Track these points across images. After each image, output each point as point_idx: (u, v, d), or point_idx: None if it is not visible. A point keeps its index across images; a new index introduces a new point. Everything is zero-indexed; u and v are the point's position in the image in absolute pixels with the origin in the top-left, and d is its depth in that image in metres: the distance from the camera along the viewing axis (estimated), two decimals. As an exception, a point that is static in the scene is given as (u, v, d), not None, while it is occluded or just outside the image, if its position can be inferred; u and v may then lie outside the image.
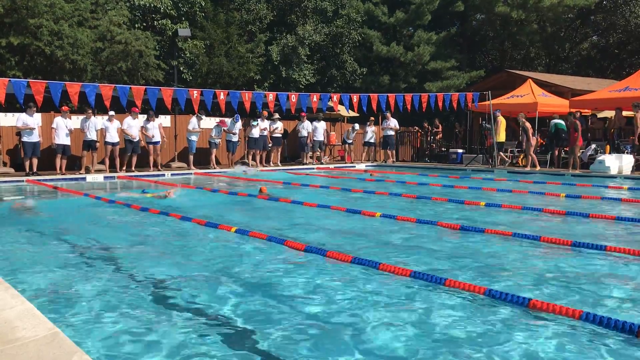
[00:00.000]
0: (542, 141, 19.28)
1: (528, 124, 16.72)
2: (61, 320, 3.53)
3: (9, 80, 12.46)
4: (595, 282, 4.62)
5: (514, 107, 19.64)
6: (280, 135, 19.35)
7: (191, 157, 17.18)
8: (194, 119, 17.10)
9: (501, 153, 18.35)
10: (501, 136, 18.15)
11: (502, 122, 18.09)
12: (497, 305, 3.90)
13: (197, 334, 3.40)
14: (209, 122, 18.07)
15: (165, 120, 17.73)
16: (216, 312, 3.84)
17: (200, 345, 3.23)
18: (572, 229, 7.09)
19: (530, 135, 16.60)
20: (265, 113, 18.60)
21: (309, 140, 19.81)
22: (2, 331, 2.91)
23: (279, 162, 19.14)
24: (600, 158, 15.21)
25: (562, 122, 16.84)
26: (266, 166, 18.47)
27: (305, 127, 19.60)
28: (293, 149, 21.17)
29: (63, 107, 14.76)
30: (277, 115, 19.21)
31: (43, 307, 3.74)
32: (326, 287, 4.42)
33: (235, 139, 17.91)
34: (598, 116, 19.32)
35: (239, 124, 17.90)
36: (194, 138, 17.24)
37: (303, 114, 19.72)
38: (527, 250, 5.79)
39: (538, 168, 16.40)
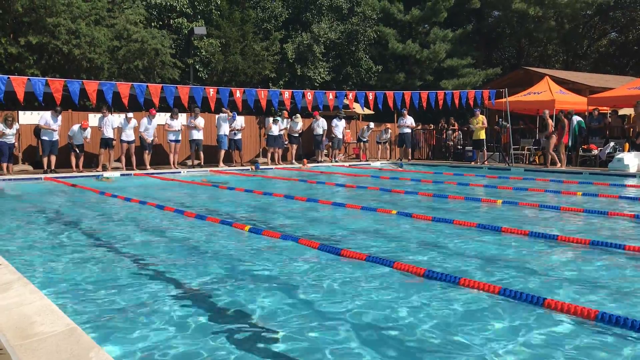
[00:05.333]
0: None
1: (550, 121, 16.49)
2: (78, 316, 3.58)
3: (28, 78, 12.61)
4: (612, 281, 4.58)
5: (531, 104, 19.46)
6: (277, 134, 19.28)
7: (222, 153, 17.31)
8: (223, 116, 17.19)
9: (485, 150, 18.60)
10: (481, 134, 18.23)
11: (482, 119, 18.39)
12: (512, 304, 3.88)
13: (218, 332, 3.43)
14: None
15: (182, 117, 17.84)
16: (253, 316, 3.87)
17: (221, 349, 3.25)
18: (589, 228, 7.02)
19: (549, 132, 16.39)
20: (286, 114, 18.64)
21: (323, 138, 19.79)
22: (21, 326, 2.96)
23: (294, 160, 19.15)
24: (619, 156, 15.00)
25: (582, 120, 16.66)
26: (280, 164, 18.51)
27: (320, 125, 19.59)
28: (308, 147, 21.16)
29: (83, 123, 14.91)
30: (299, 116, 19.16)
31: (60, 301, 3.80)
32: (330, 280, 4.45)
33: (238, 136, 17.91)
34: (618, 113, 19.04)
35: (238, 122, 17.78)
36: (225, 134, 17.36)
37: (316, 113, 19.70)
38: (544, 249, 5.74)
39: (558, 165, 16.18)
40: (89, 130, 15.07)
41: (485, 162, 18.03)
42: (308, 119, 21.19)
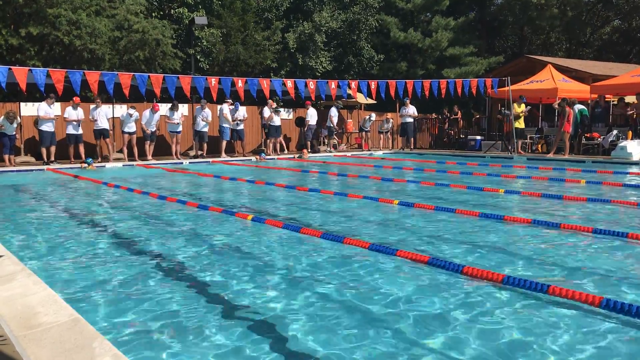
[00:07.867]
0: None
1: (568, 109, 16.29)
2: (81, 306, 3.58)
3: (29, 69, 12.58)
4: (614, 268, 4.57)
5: (533, 92, 19.38)
6: (279, 124, 19.17)
7: (224, 144, 17.30)
8: (225, 107, 17.19)
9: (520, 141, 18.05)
10: (520, 123, 17.87)
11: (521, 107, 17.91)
12: (514, 292, 3.88)
13: (222, 323, 3.43)
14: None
15: (183, 108, 17.82)
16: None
17: (226, 340, 3.25)
18: (592, 216, 7.00)
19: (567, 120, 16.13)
20: (273, 103, 18.52)
21: (305, 128, 19.64)
22: (25, 317, 2.97)
23: (278, 150, 19.08)
24: (622, 144, 14.94)
25: (585, 107, 16.53)
26: (281, 153, 18.53)
27: (308, 115, 19.40)
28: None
29: (74, 98, 14.87)
30: (274, 105, 19.04)
31: (62, 291, 3.80)
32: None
33: (240, 127, 17.89)
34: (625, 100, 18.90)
35: (240, 112, 17.77)
36: (227, 125, 17.35)
37: (308, 102, 19.62)
38: (546, 237, 5.73)
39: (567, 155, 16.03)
40: (80, 110, 15.01)
41: (520, 152, 17.52)
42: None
